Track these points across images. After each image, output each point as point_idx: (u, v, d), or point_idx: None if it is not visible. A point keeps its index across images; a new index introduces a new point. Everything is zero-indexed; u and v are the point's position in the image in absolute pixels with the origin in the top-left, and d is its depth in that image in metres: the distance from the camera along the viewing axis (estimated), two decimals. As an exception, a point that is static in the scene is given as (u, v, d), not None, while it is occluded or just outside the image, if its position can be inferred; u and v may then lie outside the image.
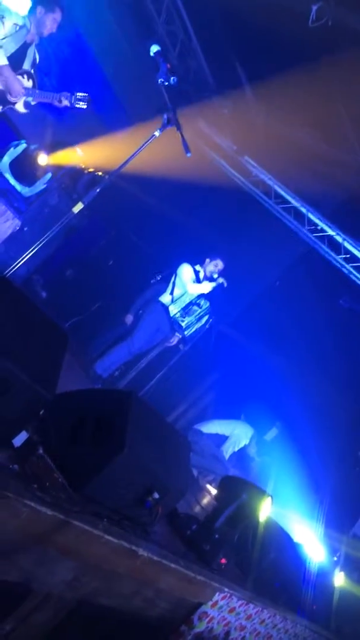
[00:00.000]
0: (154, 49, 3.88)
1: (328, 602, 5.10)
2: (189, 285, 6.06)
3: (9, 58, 4.62)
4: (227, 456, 6.50)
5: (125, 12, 7.06)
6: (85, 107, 4.97)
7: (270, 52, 6.62)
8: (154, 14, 6.95)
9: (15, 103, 4.90)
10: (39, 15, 4.72)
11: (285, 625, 3.86)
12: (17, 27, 4.61)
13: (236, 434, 6.64)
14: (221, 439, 6.58)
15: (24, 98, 4.90)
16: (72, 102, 4.94)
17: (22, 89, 4.77)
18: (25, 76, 4.87)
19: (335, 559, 6.13)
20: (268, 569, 3.70)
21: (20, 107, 4.96)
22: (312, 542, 5.82)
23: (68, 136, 6.34)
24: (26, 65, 4.87)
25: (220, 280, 6.17)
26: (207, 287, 6.09)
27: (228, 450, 6.56)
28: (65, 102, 4.93)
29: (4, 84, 4.68)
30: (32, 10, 4.73)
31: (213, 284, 6.11)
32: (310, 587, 4.60)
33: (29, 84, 4.92)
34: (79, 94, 4.94)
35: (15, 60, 4.73)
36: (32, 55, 4.91)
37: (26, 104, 4.98)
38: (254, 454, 6.76)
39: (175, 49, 7.28)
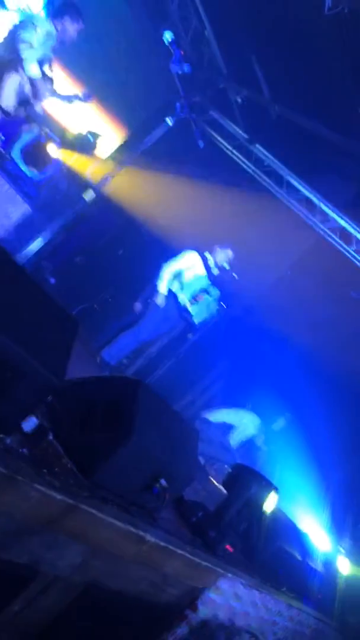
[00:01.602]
0: (168, 36, 3.87)
1: (333, 591, 5.13)
2: (165, 275, 5.98)
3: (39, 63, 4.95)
4: (234, 445, 6.52)
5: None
6: (88, 101, 5.47)
7: (284, 39, 6.56)
8: (167, -1, 6.89)
9: (35, 106, 5.20)
10: (66, 24, 5.05)
11: (290, 612, 3.88)
12: (46, 35, 4.93)
13: (243, 423, 6.66)
14: (228, 428, 6.60)
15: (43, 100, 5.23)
16: (82, 100, 5.43)
17: (44, 96, 5.11)
18: (47, 80, 5.17)
19: (342, 549, 6.15)
20: (273, 557, 3.73)
21: (38, 109, 5.28)
22: (318, 531, 5.84)
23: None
24: (44, 67, 5.13)
25: (225, 266, 6.16)
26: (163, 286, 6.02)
27: (235, 439, 6.58)
28: (74, 101, 5.42)
29: (32, 92, 5.03)
30: (58, 15, 5.04)
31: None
32: (316, 576, 4.63)
33: (49, 87, 5.22)
34: (85, 91, 5.48)
35: (40, 66, 5.02)
36: (50, 56, 5.19)
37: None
38: (261, 444, 6.78)
39: (188, 35, 7.22)
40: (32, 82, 4.91)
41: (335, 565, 5.46)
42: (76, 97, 5.40)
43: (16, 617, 2.09)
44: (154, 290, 6.06)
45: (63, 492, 1.78)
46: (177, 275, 6.09)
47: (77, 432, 2.21)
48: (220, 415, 6.65)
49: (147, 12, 6.86)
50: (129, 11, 6.97)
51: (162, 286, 5.94)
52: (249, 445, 6.72)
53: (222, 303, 6.17)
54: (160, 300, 5.91)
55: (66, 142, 5.51)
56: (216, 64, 7.53)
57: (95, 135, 5.44)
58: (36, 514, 1.75)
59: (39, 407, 2.03)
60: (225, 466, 5.56)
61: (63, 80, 6.08)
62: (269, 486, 3.15)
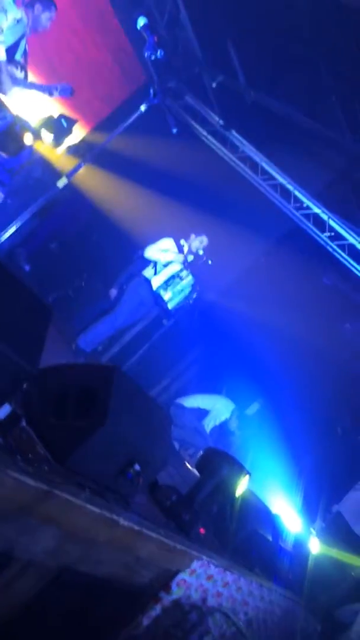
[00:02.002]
0: (141, 21, 3.83)
1: (303, 571, 5.26)
2: (154, 252, 6.08)
3: (6, 50, 4.80)
4: (208, 430, 6.60)
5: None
6: (70, 96, 5.28)
7: (260, 25, 6.55)
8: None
9: (7, 93, 5.04)
10: (37, 12, 4.93)
11: (261, 592, 3.98)
12: (16, 21, 4.80)
13: (217, 408, 6.74)
14: (203, 413, 6.67)
15: (15, 88, 5.06)
16: (60, 93, 5.23)
17: (11, 84, 4.95)
18: (19, 67, 5.06)
19: (313, 531, 6.29)
20: (245, 539, 3.81)
21: (10, 95, 5.08)
22: (289, 513, 5.97)
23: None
24: (18, 56, 5.03)
25: (200, 252, 6.21)
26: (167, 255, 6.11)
27: (209, 424, 6.66)
28: (56, 94, 5.23)
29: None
30: (29, 4, 4.93)
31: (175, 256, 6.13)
32: (287, 557, 4.74)
33: (21, 75, 5.11)
34: (64, 85, 5.23)
35: (11, 53, 4.91)
36: (24, 47, 5.07)
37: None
38: (234, 428, 6.87)
39: (163, 20, 7.15)
40: None
41: (306, 546, 5.59)
42: (54, 88, 5.21)
43: (-10, 602, 2.11)
44: (136, 272, 6.10)
45: (37, 478, 1.80)
46: (153, 261, 6.13)
47: (51, 419, 2.23)
48: (194, 401, 6.72)
49: None
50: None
51: (166, 256, 6.00)
52: (222, 430, 6.81)
53: (193, 293, 6.20)
54: (149, 274, 6.03)
55: (39, 129, 5.41)
56: (191, 49, 7.48)
57: (68, 121, 5.36)
58: (10, 501, 1.76)
59: (12, 395, 2.04)
60: (200, 451, 5.64)
61: (36, 71, 5.97)
62: (240, 469, 3.21)
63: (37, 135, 5.20)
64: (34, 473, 1.81)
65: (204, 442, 6.20)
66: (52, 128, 5.21)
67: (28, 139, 5.26)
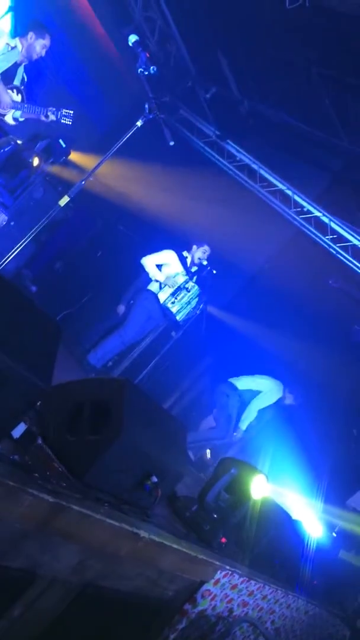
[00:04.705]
0: (132, 38, 3.88)
1: (329, 577, 5.20)
2: (151, 272, 6.10)
3: (1, 74, 4.93)
4: (243, 427, 6.54)
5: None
6: (70, 123, 5.26)
7: (249, 35, 6.62)
8: (130, 0, 6.90)
9: (5, 115, 5.15)
10: (30, 41, 5.02)
11: (287, 600, 3.95)
12: (9, 48, 4.90)
13: (269, 389, 6.72)
14: (254, 394, 6.64)
15: (12, 111, 5.16)
16: (58, 117, 5.24)
17: (10, 101, 5.05)
18: (15, 90, 5.14)
19: (334, 534, 6.23)
20: (267, 547, 3.78)
21: (9, 119, 5.22)
22: (310, 518, 5.92)
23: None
24: (16, 82, 5.15)
25: (203, 262, 6.23)
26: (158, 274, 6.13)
27: (259, 404, 6.62)
28: (52, 117, 5.24)
29: None
30: (23, 33, 5.03)
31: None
32: (310, 562, 4.70)
33: (17, 98, 5.19)
34: (65, 111, 5.25)
35: (6, 77, 5.03)
36: (22, 74, 5.18)
37: (15, 118, 5.25)
38: (291, 401, 6.84)
39: (154, 36, 7.25)
40: None
41: (329, 551, 5.54)
42: (52, 111, 5.22)
43: (16, 622, 2.11)
44: (142, 287, 6.14)
45: (56, 495, 1.81)
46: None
47: (66, 435, 2.24)
48: (245, 383, 6.68)
49: (112, 17, 6.89)
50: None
51: (157, 275, 6.01)
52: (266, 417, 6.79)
53: (200, 303, 6.21)
54: (155, 288, 6.08)
55: (40, 151, 5.46)
56: (183, 62, 7.58)
57: (67, 141, 5.41)
58: (30, 518, 1.77)
59: (27, 413, 2.05)
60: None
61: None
62: (252, 469, 3.20)
63: (39, 158, 5.25)
64: (51, 490, 1.82)
65: (226, 430, 6.24)
66: (50, 149, 5.26)
67: (36, 161, 5.33)
